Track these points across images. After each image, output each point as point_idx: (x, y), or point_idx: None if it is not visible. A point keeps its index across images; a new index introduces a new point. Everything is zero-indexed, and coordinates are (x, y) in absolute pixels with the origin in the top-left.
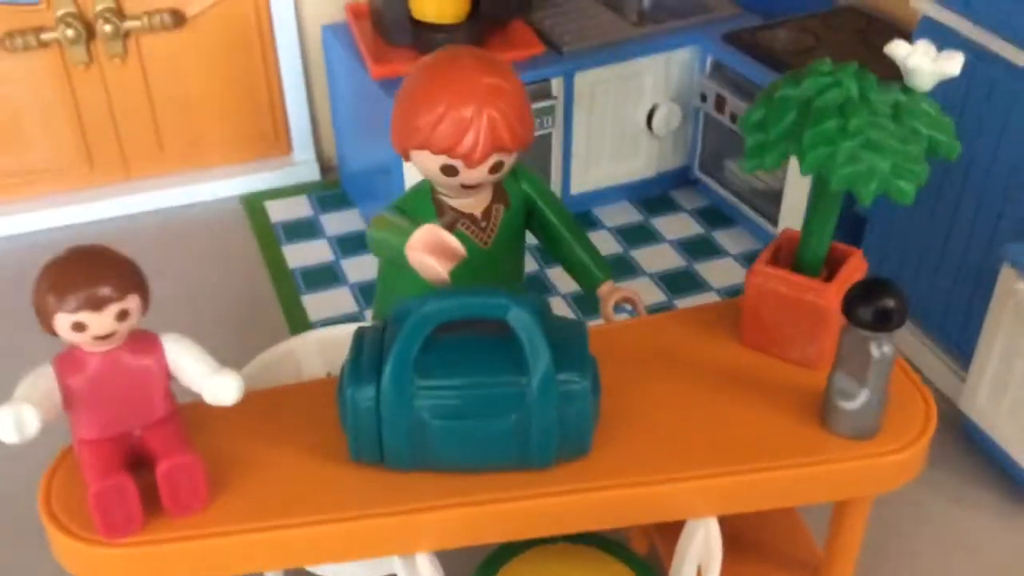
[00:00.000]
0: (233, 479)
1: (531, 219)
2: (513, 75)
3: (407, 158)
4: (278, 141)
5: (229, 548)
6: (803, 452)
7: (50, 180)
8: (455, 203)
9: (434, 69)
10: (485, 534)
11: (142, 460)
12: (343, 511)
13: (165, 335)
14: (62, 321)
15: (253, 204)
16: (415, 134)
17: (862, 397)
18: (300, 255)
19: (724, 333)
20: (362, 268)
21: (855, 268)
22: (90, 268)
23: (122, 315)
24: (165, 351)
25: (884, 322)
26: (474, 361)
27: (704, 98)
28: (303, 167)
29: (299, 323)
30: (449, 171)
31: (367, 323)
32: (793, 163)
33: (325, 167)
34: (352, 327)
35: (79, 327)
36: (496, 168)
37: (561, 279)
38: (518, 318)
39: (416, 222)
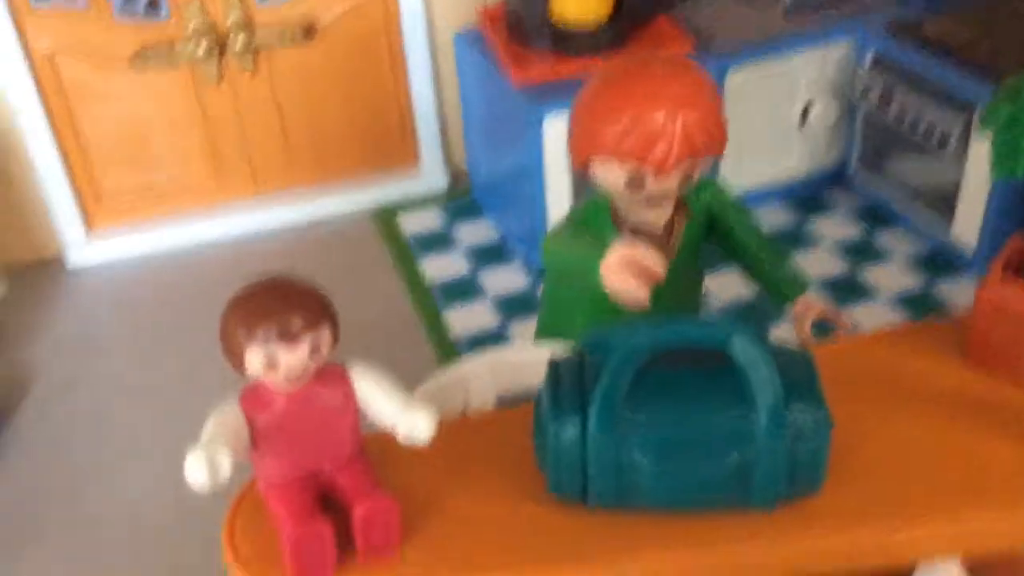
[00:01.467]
0: (424, 520)
1: (714, 232)
2: (705, 76)
3: (585, 170)
4: (406, 151)
5: None
6: None
7: (179, 197)
8: (635, 217)
9: (620, 74)
10: None
11: (329, 498)
12: (546, 557)
13: (352, 366)
14: (253, 356)
15: (383, 216)
16: (601, 143)
17: None
18: (436, 268)
19: (946, 354)
20: (500, 280)
21: None
22: (281, 300)
23: (314, 349)
24: (354, 384)
25: None
26: (690, 394)
27: (865, 93)
28: (432, 177)
29: (443, 340)
30: (635, 182)
31: (540, 346)
32: (972, 159)
33: (454, 177)
34: (520, 351)
35: (271, 363)
36: (687, 177)
37: None
38: (741, 347)
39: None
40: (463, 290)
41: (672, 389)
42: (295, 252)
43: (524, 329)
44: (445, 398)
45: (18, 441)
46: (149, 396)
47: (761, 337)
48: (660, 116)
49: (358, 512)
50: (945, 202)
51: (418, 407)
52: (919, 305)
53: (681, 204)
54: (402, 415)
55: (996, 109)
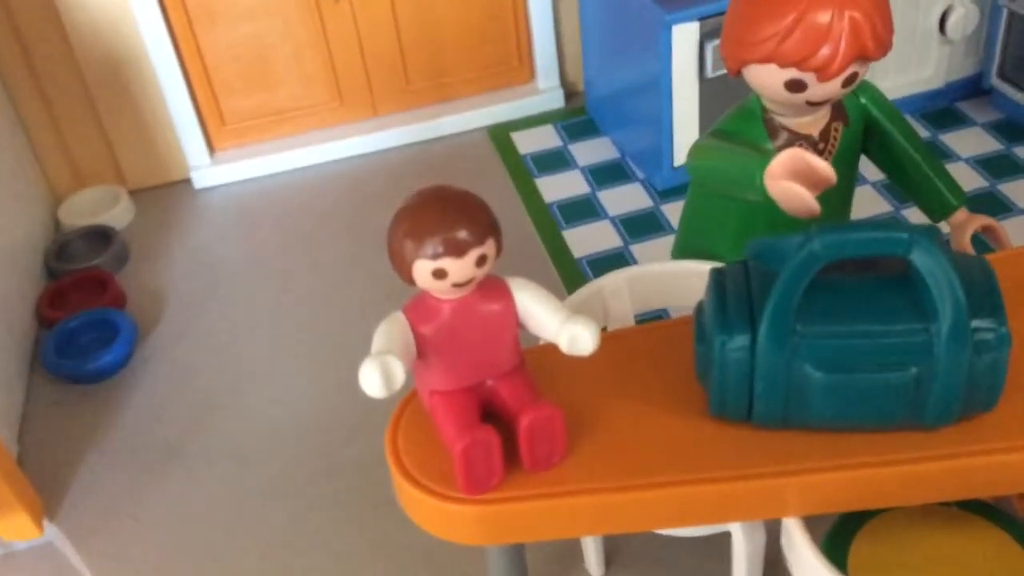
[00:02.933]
0: (584, 433)
1: (870, 138)
2: None
3: (737, 74)
4: (522, 68)
5: (590, 507)
6: None
7: (300, 118)
8: (790, 123)
9: None
10: (863, 500)
11: (491, 412)
12: (709, 471)
13: (511, 280)
14: (422, 268)
15: (499, 135)
16: (759, 45)
17: None
18: (554, 188)
19: None
20: (620, 200)
21: None
22: (449, 212)
23: (481, 260)
24: (515, 296)
25: None
26: (867, 306)
27: None
28: (547, 95)
29: (565, 260)
30: (796, 86)
31: (707, 262)
32: None
33: (569, 95)
34: (658, 266)
35: (440, 274)
36: (850, 80)
37: None
38: (924, 256)
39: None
40: (583, 210)
41: (845, 299)
42: (413, 172)
43: (648, 249)
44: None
45: (154, 359)
46: (278, 312)
47: (942, 244)
48: (826, 15)
49: (523, 421)
50: None
51: (581, 318)
52: None
53: (839, 108)
54: (565, 326)
55: None
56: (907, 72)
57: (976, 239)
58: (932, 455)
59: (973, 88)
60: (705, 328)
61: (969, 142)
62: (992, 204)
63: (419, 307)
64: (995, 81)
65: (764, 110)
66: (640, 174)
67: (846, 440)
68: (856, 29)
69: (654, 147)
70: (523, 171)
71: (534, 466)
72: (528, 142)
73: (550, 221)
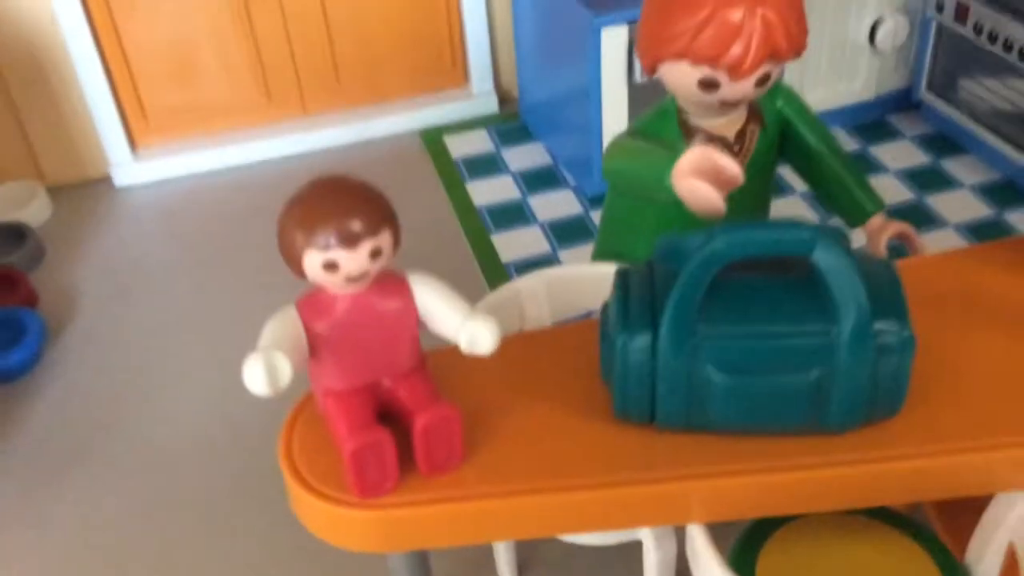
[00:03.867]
0: (484, 435)
1: (786, 142)
2: None
3: (652, 72)
4: (455, 72)
5: (488, 512)
6: None
7: (226, 115)
8: (705, 124)
9: None
10: (768, 506)
11: (388, 413)
12: (610, 475)
13: (411, 275)
14: (312, 260)
15: (432, 139)
16: (672, 42)
17: None
18: (485, 192)
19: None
20: (551, 206)
21: None
22: (341, 201)
23: (375, 253)
24: (415, 293)
25: None
26: (770, 307)
27: (941, 7)
28: (481, 99)
29: (491, 264)
30: (708, 86)
31: (598, 263)
32: None
33: (503, 100)
34: (576, 268)
35: (331, 267)
36: (763, 80)
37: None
38: (826, 256)
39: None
40: (513, 214)
41: (748, 300)
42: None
43: (577, 255)
44: (500, 317)
45: (65, 360)
46: (196, 315)
47: (847, 245)
48: (739, 12)
49: (420, 422)
50: (1020, 127)
51: (481, 316)
52: (989, 235)
53: (754, 111)
54: (465, 324)
55: None
56: (837, 84)
57: (893, 248)
58: (837, 461)
59: (903, 101)
60: (608, 328)
61: (898, 155)
62: (920, 217)
63: (313, 302)
64: (924, 94)
65: (680, 111)
66: (571, 180)
67: (752, 444)
68: (768, 27)
69: (584, 153)
70: (454, 175)
71: (430, 469)
72: (461, 146)
73: (479, 225)
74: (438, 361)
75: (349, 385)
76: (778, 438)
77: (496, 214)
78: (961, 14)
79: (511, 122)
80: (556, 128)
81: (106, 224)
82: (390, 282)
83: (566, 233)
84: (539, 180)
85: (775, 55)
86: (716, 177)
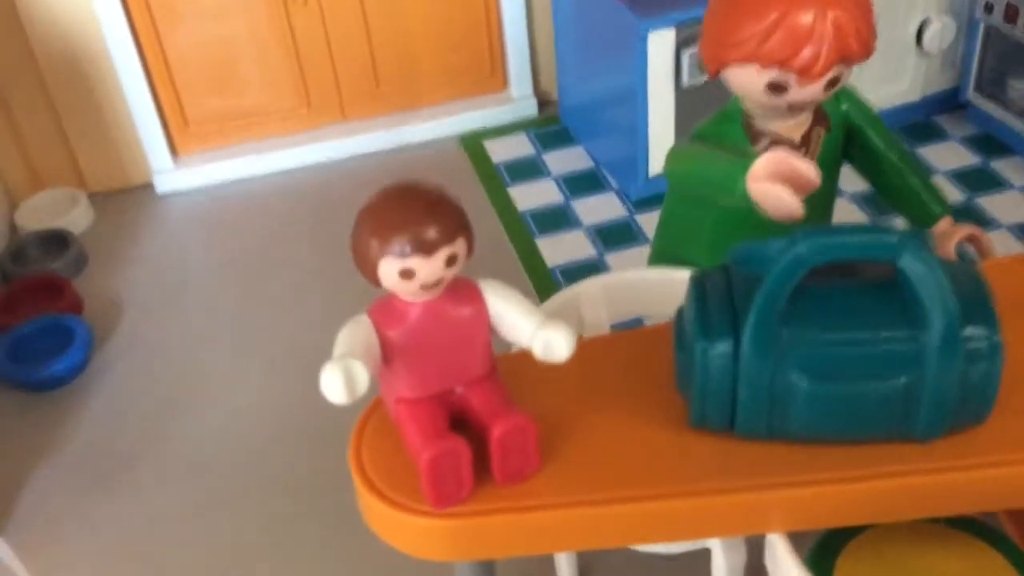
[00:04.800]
0: (557, 444)
1: (852, 145)
2: None
3: (715, 75)
4: (494, 76)
5: (564, 522)
6: None
7: (266, 122)
8: (771, 127)
9: None
10: (849, 515)
11: (460, 421)
12: (688, 484)
13: (483, 282)
14: (388, 268)
15: (472, 143)
16: (740, 45)
17: None
18: (527, 197)
19: None
20: (595, 210)
21: None
22: (417, 208)
23: (451, 260)
24: (487, 300)
25: None
26: (855, 313)
27: (990, 8)
28: (520, 103)
29: (538, 269)
30: (777, 89)
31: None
32: None
33: (542, 103)
34: (635, 273)
35: (407, 274)
36: (833, 83)
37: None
38: (913, 261)
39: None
40: (556, 219)
41: (832, 306)
42: (381, 179)
43: (622, 259)
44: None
45: (110, 368)
46: (239, 321)
47: (932, 250)
48: (810, 15)
49: (495, 432)
50: None
51: (556, 323)
52: None
53: (820, 114)
54: (540, 331)
55: None
56: (884, 85)
57: (961, 252)
58: (921, 469)
59: (950, 102)
60: (686, 335)
61: (946, 156)
62: (971, 218)
63: (385, 310)
64: (972, 95)
65: (744, 114)
66: (615, 184)
67: (832, 453)
68: (839, 30)
69: (629, 157)
70: (496, 179)
71: (506, 479)
72: (501, 151)
73: (523, 230)
74: (506, 367)
75: (422, 393)
76: (858, 446)
77: (540, 218)
78: (1011, 15)
79: (551, 126)
80: (599, 131)
81: (148, 231)
82: (462, 288)
83: (612, 237)
84: (582, 184)
85: (846, 56)
86: (792, 181)
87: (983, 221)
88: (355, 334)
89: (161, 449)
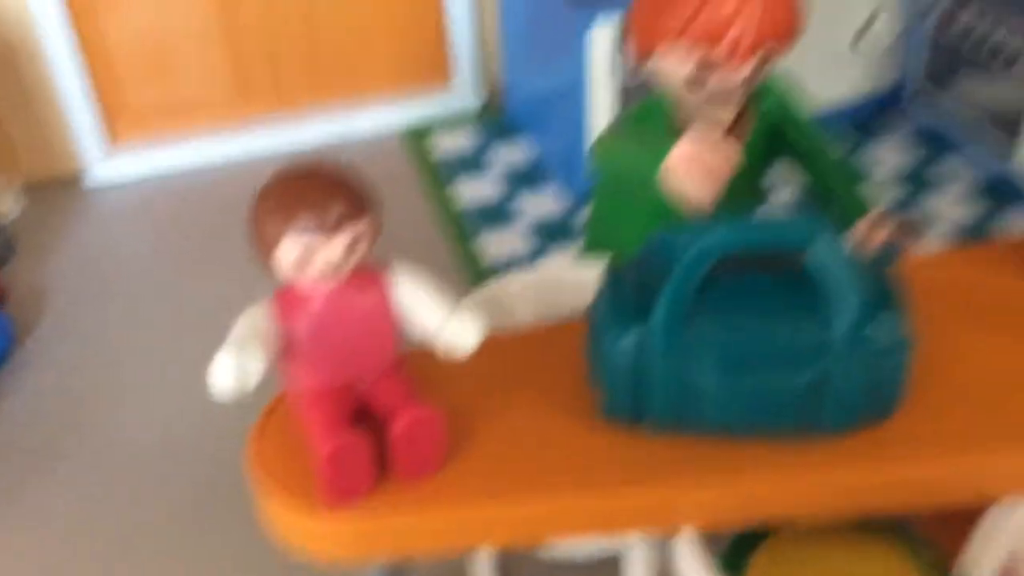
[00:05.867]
0: (464, 439)
1: (778, 141)
2: None
3: (645, 62)
4: (439, 67)
5: (468, 519)
6: None
7: (203, 111)
8: (699, 116)
9: None
10: (761, 511)
11: (364, 414)
12: (595, 479)
13: (393, 268)
14: (288, 249)
15: (414, 136)
16: (668, 26)
17: None
18: (468, 191)
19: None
20: (536, 205)
21: None
22: (319, 187)
23: (356, 241)
24: (396, 287)
25: None
26: (764, 305)
27: (930, 9)
28: (466, 95)
29: (474, 266)
30: (703, 72)
31: (584, 259)
32: None
33: (489, 95)
34: (568, 267)
35: (308, 256)
36: (760, 66)
37: None
38: (823, 252)
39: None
40: (496, 214)
41: (742, 297)
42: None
43: (563, 254)
44: (485, 316)
45: (34, 361)
46: (170, 313)
47: (843, 242)
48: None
49: (399, 424)
50: (1009, 127)
51: (465, 311)
52: (978, 234)
53: (746, 107)
54: (447, 320)
55: None
56: (827, 83)
57: (885, 248)
58: (828, 464)
59: (892, 101)
60: (597, 325)
61: (888, 154)
62: (910, 214)
63: (287, 296)
64: (913, 95)
65: (669, 104)
66: (558, 177)
67: (742, 447)
68: (766, 10)
69: (571, 151)
70: (437, 174)
71: (408, 474)
72: (444, 143)
73: (461, 227)
74: (418, 361)
75: (324, 384)
76: (768, 442)
77: (479, 213)
78: (950, 17)
79: (496, 118)
80: (543, 125)
81: (79, 221)
82: (369, 275)
83: (552, 232)
84: (524, 178)
85: (772, 38)
86: (706, 170)
87: (923, 219)
88: (251, 323)
89: (85, 443)
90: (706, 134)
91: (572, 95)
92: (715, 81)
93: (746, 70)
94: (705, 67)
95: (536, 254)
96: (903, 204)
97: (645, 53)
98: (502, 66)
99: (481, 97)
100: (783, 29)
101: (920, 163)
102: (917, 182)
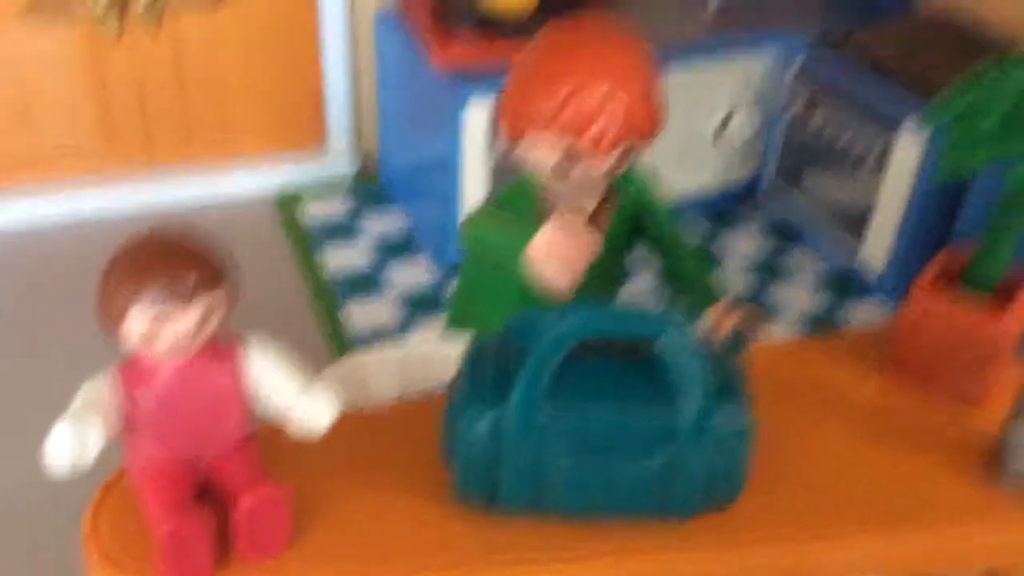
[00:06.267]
0: (314, 520)
1: (638, 228)
2: (647, 52)
3: (514, 147)
4: (315, 133)
5: None
6: (970, 508)
7: (67, 163)
8: (564, 201)
9: (561, 42)
10: None
11: (208, 493)
12: (449, 563)
13: (246, 341)
14: (137, 318)
15: (285, 201)
16: (536, 116)
17: None
18: (338, 259)
19: (867, 365)
20: (406, 276)
21: None
22: (173, 255)
23: (208, 312)
24: (248, 361)
25: None
26: (616, 390)
27: (788, 105)
28: (340, 162)
29: (338, 336)
30: (568, 161)
31: (448, 338)
32: (888, 179)
33: (365, 164)
34: (433, 343)
35: (158, 327)
36: (623, 159)
37: None
38: (672, 340)
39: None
40: (365, 284)
41: (596, 382)
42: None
43: (431, 328)
44: (343, 392)
45: None
46: (16, 378)
47: (693, 331)
48: (601, 89)
49: (243, 503)
50: (856, 224)
51: (319, 390)
52: (826, 325)
53: (609, 195)
54: (300, 398)
55: (952, 102)
56: (688, 173)
57: (735, 336)
58: (676, 549)
59: (750, 192)
60: (453, 405)
61: (743, 244)
62: (761, 304)
63: (132, 367)
64: (770, 187)
65: (537, 187)
66: (429, 249)
67: (595, 531)
68: (630, 105)
69: (443, 223)
70: (306, 239)
71: (252, 555)
72: (316, 209)
73: (328, 295)
74: (270, 437)
75: (167, 460)
76: (623, 524)
77: (348, 282)
78: (805, 111)
79: (371, 187)
80: (416, 195)
81: None
82: (221, 349)
83: (421, 303)
84: (396, 248)
85: (634, 133)
86: (566, 258)
87: (772, 309)
88: (94, 394)
89: None
90: (568, 222)
91: (446, 169)
92: (579, 171)
93: (609, 162)
94: (570, 157)
95: (405, 325)
96: (755, 293)
97: (514, 138)
98: (378, 135)
99: (356, 165)
100: (644, 125)
101: (772, 254)
102: (768, 272)
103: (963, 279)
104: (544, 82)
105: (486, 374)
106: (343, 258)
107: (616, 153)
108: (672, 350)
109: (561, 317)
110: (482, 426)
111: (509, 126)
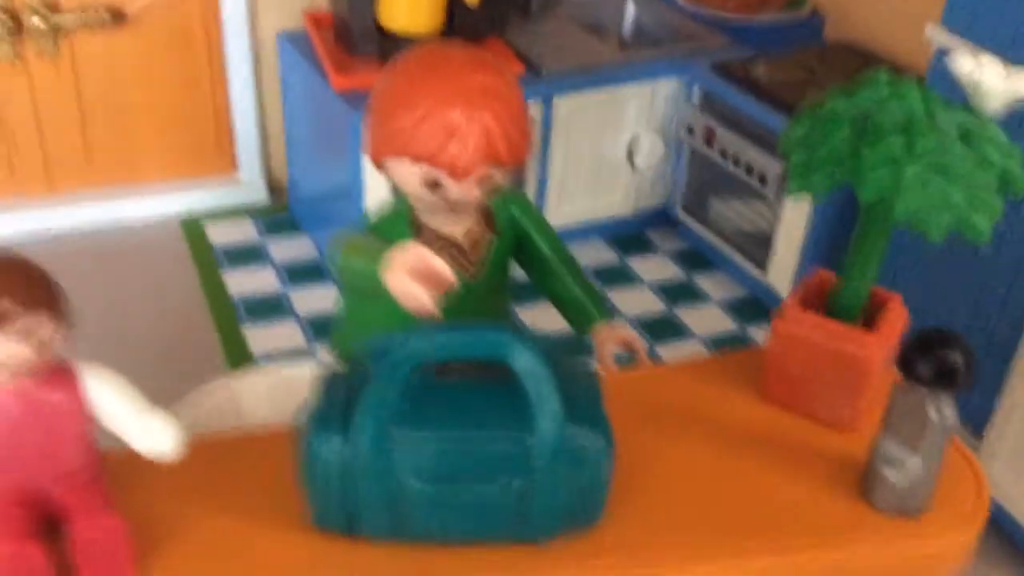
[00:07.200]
0: (165, 549)
1: (519, 249)
2: (511, 77)
3: (382, 169)
4: (222, 158)
5: None
6: (839, 530)
7: None
8: (434, 223)
9: (418, 64)
10: None
11: (54, 522)
12: None
13: (85, 367)
14: None
15: (192, 225)
16: (394, 138)
17: (913, 467)
18: (243, 283)
19: (743, 387)
20: (312, 299)
21: (897, 316)
22: None
23: (28, 336)
24: (84, 387)
25: (947, 379)
26: (467, 412)
27: (691, 131)
28: (249, 187)
29: (240, 359)
30: (433, 184)
31: (326, 361)
32: (788, 204)
33: (273, 188)
34: (307, 366)
35: None
36: (485, 183)
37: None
38: (523, 361)
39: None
40: (270, 308)
41: (449, 405)
42: (90, 258)
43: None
44: (213, 416)
45: None
46: None
47: (547, 353)
48: (456, 112)
49: (79, 532)
50: (761, 247)
51: (157, 415)
52: (731, 347)
53: (486, 215)
54: (137, 424)
55: (792, 130)
56: (598, 198)
57: (619, 358)
58: (532, 572)
59: (661, 217)
60: (304, 430)
61: (653, 268)
62: (670, 328)
63: None
64: (679, 212)
65: (412, 210)
66: (333, 276)
67: (458, 555)
68: (486, 131)
69: None
70: (211, 263)
71: None
72: (223, 234)
73: (231, 317)
74: (123, 464)
75: (3, 488)
76: (484, 549)
77: (252, 306)
78: (708, 138)
79: (280, 213)
80: (323, 222)
81: None
82: (58, 374)
83: (325, 329)
84: (302, 273)
85: (493, 159)
86: (430, 278)
87: (680, 332)
88: None
89: None
90: (419, 247)
91: (349, 194)
92: (443, 195)
93: (471, 188)
94: (429, 183)
95: (309, 350)
96: (665, 315)
97: (377, 161)
98: (286, 161)
99: (265, 191)
100: (503, 152)
101: (682, 279)
102: (678, 296)
103: (827, 307)
104: (397, 105)
105: (336, 399)
106: (249, 283)
107: (477, 178)
108: (523, 370)
109: (405, 339)
110: (328, 451)
111: (372, 149)
